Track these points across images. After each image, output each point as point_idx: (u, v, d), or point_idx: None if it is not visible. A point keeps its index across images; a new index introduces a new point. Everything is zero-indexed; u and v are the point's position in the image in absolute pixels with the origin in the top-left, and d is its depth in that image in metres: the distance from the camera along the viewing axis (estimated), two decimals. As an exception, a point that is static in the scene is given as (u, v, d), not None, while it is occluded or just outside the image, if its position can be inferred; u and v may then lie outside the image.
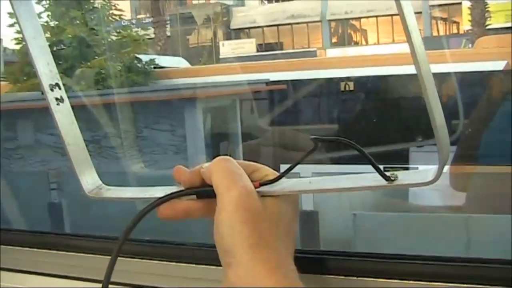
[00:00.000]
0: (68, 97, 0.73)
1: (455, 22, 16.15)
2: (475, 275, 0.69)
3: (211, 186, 0.64)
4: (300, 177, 0.69)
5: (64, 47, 7.35)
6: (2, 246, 1.01)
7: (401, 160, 5.14)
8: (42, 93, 0.72)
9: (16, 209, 2.56)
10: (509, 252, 0.80)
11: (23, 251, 1.00)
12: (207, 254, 0.81)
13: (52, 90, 0.71)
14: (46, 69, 0.71)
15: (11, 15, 0.71)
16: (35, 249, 0.99)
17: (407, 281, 0.71)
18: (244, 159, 0.69)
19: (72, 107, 0.74)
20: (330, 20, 17.74)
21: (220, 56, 13.97)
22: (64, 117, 0.72)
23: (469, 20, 10.83)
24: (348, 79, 6.46)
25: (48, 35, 7.40)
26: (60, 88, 0.72)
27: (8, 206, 2.44)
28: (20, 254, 1.00)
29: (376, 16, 17.25)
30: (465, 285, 0.69)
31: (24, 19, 0.70)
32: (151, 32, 10.42)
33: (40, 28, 0.72)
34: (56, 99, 0.72)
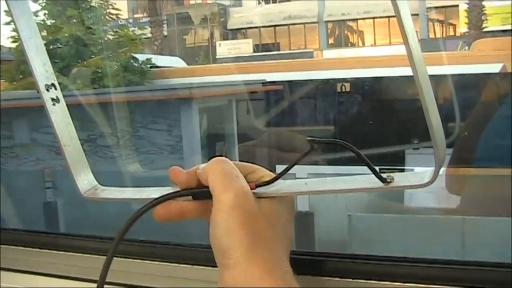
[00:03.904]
0: (64, 96, 0.73)
1: (451, 24, 16.19)
2: (473, 278, 0.69)
3: (207, 187, 0.64)
4: (296, 178, 0.69)
5: (61, 46, 7.34)
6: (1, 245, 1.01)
7: (397, 162, 5.14)
8: (38, 93, 0.72)
9: (10, 209, 2.55)
10: (504, 254, 0.80)
11: (18, 251, 1.00)
12: (202, 254, 0.81)
13: (48, 90, 0.71)
14: (42, 69, 0.71)
15: (8, 13, 0.71)
16: (30, 249, 0.99)
17: (403, 284, 0.71)
18: (240, 160, 0.69)
19: (68, 105, 0.73)
20: (327, 21, 17.77)
21: (217, 56, 13.98)
22: (60, 117, 0.72)
23: (466, 23, 10.87)
24: (345, 80, 6.46)
25: (44, 33, 7.39)
26: (56, 89, 0.72)
27: (3, 206, 2.43)
28: (16, 254, 1.00)
29: (373, 18, 17.27)
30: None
31: (20, 19, 0.70)
32: (148, 31, 10.41)
33: (36, 28, 0.71)
34: (52, 99, 0.71)
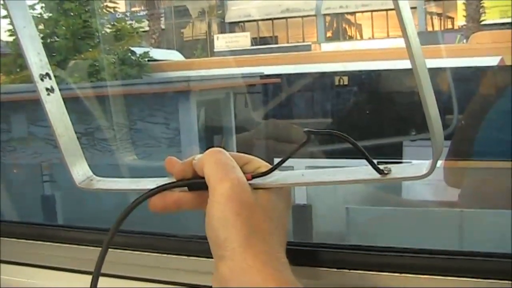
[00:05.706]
0: (61, 89, 0.72)
1: (450, 17, 16.18)
2: (470, 268, 0.69)
3: (203, 177, 0.64)
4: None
5: (58, 39, 7.33)
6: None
7: (395, 154, 5.15)
8: (33, 82, 0.71)
9: (9, 202, 2.55)
10: (503, 248, 0.80)
11: (13, 242, 0.99)
12: (198, 246, 0.81)
13: (42, 80, 0.70)
14: (36, 58, 0.70)
15: (4, 5, 0.70)
16: (24, 240, 0.98)
17: (401, 274, 0.71)
18: (237, 151, 0.69)
19: (64, 99, 0.73)
20: (325, 14, 17.74)
21: (215, 50, 13.95)
22: (54, 107, 0.71)
23: (464, 16, 10.85)
24: (343, 73, 6.46)
25: (41, 27, 7.38)
26: (50, 78, 0.71)
27: (2, 199, 2.43)
28: (12, 246, 1.00)
29: (371, 11, 17.25)
30: (461, 279, 0.69)
31: (13, 8, 0.69)
32: (145, 24, 10.40)
33: (30, 17, 0.70)
34: (47, 89, 0.71)
